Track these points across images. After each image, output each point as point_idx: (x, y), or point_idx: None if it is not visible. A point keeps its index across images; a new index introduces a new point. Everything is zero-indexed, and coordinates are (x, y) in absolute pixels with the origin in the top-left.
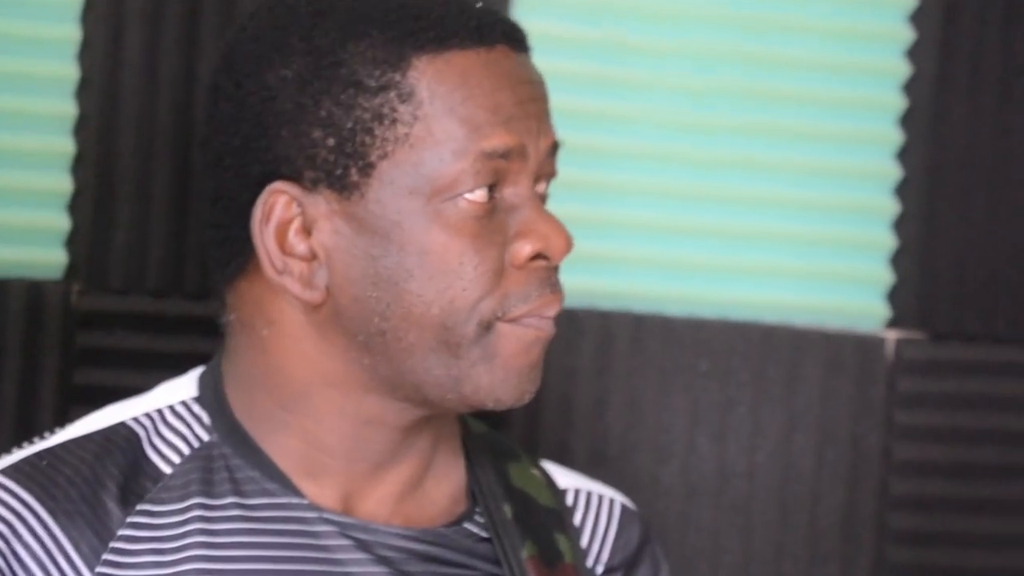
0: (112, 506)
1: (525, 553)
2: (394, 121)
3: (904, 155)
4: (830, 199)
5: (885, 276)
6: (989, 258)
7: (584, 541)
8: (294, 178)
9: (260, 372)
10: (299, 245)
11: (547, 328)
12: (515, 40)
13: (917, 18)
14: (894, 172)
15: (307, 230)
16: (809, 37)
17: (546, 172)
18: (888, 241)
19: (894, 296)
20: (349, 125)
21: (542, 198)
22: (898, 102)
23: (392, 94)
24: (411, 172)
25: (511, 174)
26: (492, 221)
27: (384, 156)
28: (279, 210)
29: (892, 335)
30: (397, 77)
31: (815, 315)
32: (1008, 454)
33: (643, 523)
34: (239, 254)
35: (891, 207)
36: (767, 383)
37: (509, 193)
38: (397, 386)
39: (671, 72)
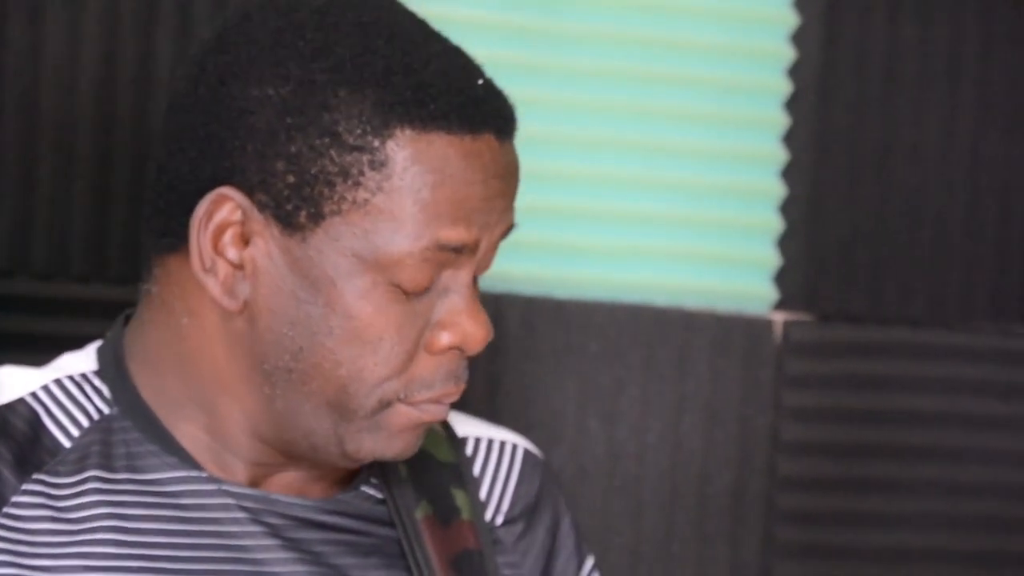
0: (7, 474)
1: (419, 513)
2: (358, 184)
3: (790, 138)
4: (717, 182)
5: (772, 258)
6: (875, 240)
7: (483, 492)
8: (246, 191)
9: (174, 356)
10: (231, 250)
11: (440, 413)
12: (502, 127)
13: (801, 3)
14: (780, 155)
15: (244, 240)
16: (696, 21)
17: (488, 254)
18: (775, 224)
19: (781, 278)
20: (313, 171)
21: (492, 251)
22: (783, 86)
23: (365, 157)
24: (360, 237)
25: (456, 261)
26: (421, 301)
27: (337, 213)
28: (223, 213)
29: (779, 317)
30: (376, 143)
31: (704, 297)
32: (894, 434)
33: (547, 469)
34: (175, 235)
35: (777, 190)
36: (657, 365)
37: (447, 276)
38: (287, 427)
39: (565, 56)
